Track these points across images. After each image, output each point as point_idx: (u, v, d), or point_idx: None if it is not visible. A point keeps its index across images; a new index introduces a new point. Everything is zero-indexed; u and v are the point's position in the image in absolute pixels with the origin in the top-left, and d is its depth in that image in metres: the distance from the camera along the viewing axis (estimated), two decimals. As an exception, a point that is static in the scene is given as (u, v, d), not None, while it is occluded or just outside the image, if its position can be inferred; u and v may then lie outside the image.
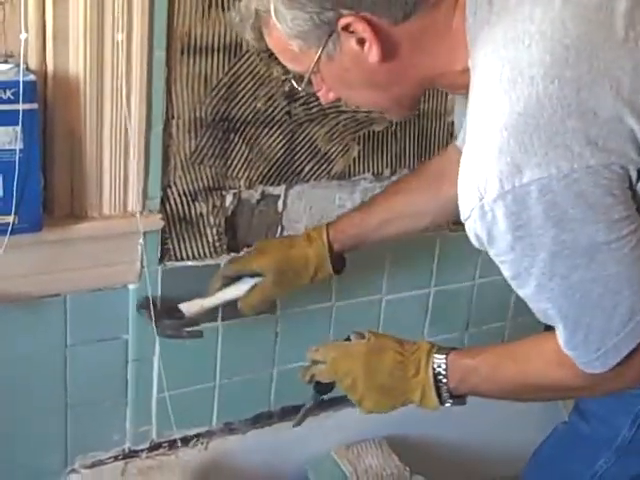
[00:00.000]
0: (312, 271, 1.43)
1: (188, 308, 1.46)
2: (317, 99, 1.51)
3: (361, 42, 0.98)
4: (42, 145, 1.28)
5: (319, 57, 1.01)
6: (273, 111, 1.49)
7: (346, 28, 0.97)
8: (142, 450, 1.60)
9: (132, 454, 1.59)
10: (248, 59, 1.43)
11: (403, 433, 1.85)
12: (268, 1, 0.99)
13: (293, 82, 1.13)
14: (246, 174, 1.51)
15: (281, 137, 1.52)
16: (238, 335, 1.61)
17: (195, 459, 1.62)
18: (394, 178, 1.69)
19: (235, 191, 1.52)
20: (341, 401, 1.80)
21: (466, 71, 1.00)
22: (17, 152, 1.23)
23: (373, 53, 0.98)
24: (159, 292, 1.48)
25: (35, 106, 1.22)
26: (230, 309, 1.57)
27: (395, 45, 0.99)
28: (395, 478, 1.74)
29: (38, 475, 1.51)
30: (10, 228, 1.25)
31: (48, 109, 1.28)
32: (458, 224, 1.81)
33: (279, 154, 1.53)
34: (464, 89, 1.01)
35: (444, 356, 1.20)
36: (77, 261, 1.39)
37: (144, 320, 1.47)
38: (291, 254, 1.42)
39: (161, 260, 1.48)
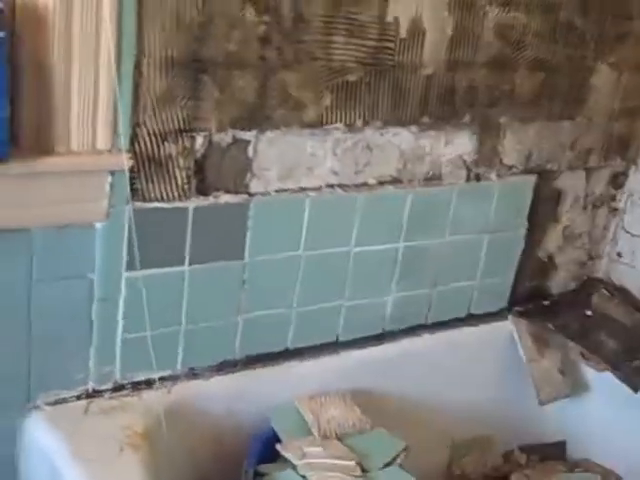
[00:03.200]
0: None
1: None
2: (291, 44, 1.53)
3: None
4: (9, 75, 1.26)
5: None
6: (246, 54, 1.49)
7: None
8: (105, 390, 1.60)
9: (95, 394, 1.59)
10: (222, -1, 1.43)
11: (367, 387, 1.87)
12: None
13: None
14: (217, 117, 1.51)
15: (254, 81, 1.52)
16: (204, 280, 1.62)
17: (158, 402, 1.62)
18: (367, 130, 1.70)
19: (206, 134, 1.51)
20: (306, 351, 1.82)
21: None
22: (-17, 79, 1.22)
23: None
24: (126, 232, 1.48)
25: (2, 35, 1.21)
26: (197, 252, 1.57)
27: None
28: (357, 429, 1.75)
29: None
30: (-25, 157, 1.25)
31: (16, 38, 1.26)
32: (430, 179, 1.84)
33: (251, 98, 1.53)
34: None
35: None
36: (43, 196, 1.38)
37: (111, 259, 1.47)
38: None
39: (129, 200, 1.47)
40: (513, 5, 1.77)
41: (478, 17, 1.73)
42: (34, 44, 1.27)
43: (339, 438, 1.73)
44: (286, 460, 1.66)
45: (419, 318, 1.98)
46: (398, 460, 1.74)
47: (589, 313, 2.19)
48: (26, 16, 1.26)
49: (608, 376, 2.05)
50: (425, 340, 1.98)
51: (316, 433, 1.72)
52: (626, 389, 2.00)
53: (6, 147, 1.28)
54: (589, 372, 2.12)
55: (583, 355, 2.11)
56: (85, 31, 1.29)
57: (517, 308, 2.13)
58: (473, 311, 2.06)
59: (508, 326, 2.09)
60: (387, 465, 1.72)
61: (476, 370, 2.02)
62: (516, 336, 2.07)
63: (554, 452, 2.18)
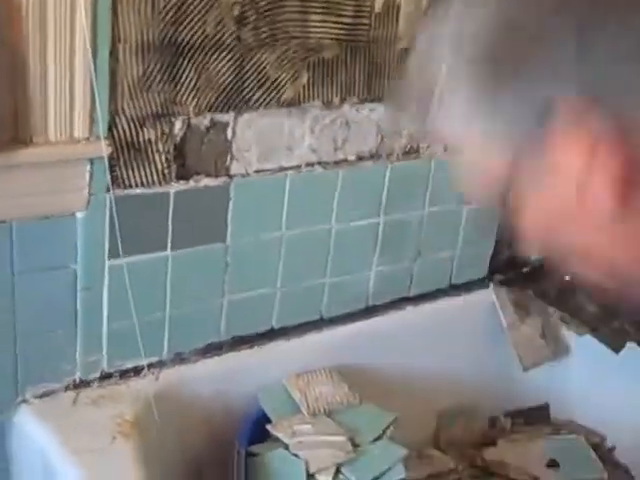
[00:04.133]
0: None
1: None
2: (267, 24, 1.51)
3: None
4: (-17, 67, 1.24)
5: None
6: (222, 36, 1.47)
7: None
8: (93, 380, 1.59)
9: (83, 384, 1.58)
10: (196, -19, 1.40)
11: (353, 363, 1.88)
12: None
13: None
14: (195, 100, 1.49)
15: (230, 63, 1.50)
16: (187, 264, 1.61)
17: (146, 389, 1.62)
18: (344, 107, 1.69)
19: (184, 117, 1.49)
20: (291, 330, 1.82)
21: None
22: (-43, 73, 1.19)
23: None
24: (107, 219, 1.46)
25: (-25, 25, 1.19)
26: (179, 236, 1.56)
27: None
28: (345, 405, 1.76)
29: (-12, 405, 1.50)
30: (-48, 152, 1.22)
31: (-11, 29, 1.24)
32: (408, 153, 1.83)
33: (228, 80, 1.51)
34: None
35: None
36: (22, 187, 1.36)
37: (93, 248, 1.46)
38: None
39: (109, 188, 1.45)
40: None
41: (452, -12, 1.72)
42: (8, 33, 1.25)
43: (328, 414, 1.74)
44: (277, 439, 1.67)
45: (402, 291, 1.99)
46: (388, 433, 1.75)
47: (567, 278, 2.21)
48: (-2, 5, 1.23)
49: (589, 339, 2.08)
50: (409, 312, 1.99)
51: (305, 411, 1.73)
52: (607, 351, 2.03)
53: (-16, 141, 1.25)
54: (570, 336, 2.15)
55: (563, 319, 2.13)
56: (60, 19, 1.27)
57: (498, 276, 2.14)
58: (455, 281, 2.08)
59: (490, 294, 2.11)
60: (377, 439, 1.73)
61: (460, 340, 2.04)
62: (497, 304, 2.09)
63: (538, 415, 2.21)
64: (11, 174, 1.34)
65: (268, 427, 1.69)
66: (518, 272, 2.20)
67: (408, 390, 1.97)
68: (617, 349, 2.03)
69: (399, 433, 1.76)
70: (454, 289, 2.08)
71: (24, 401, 1.51)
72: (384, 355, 1.92)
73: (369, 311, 1.94)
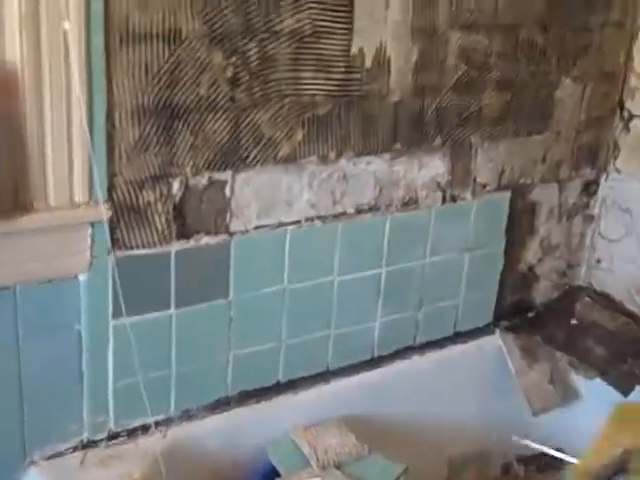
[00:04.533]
0: None
1: None
2: (259, 84, 1.55)
3: None
4: (-18, 138, 1.28)
5: None
6: (216, 97, 1.51)
7: None
8: (101, 440, 1.60)
9: (91, 444, 1.59)
10: (188, 45, 1.44)
11: (361, 413, 1.88)
12: None
13: None
14: (192, 161, 1.52)
15: (225, 123, 1.53)
16: (192, 321, 1.63)
17: (154, 446, 1.63)
18: (341, 161, 1.72)
19: (182, 178, 1.52)
20: (297, 383, 1.83)
21: None
22: (-43, 144, 1.23)
23: None
24: (110, 280, 1.49)
25: (-28, 98, 1.23)
26: (182, 294, 1.58)
27: None
28: (354, 456, 1.76)
29: (-3, 469, 1.51)
30: (-46, 221, 1.26)
31: (-14, 100, 1.28)
32: (406, 204, 1.85)
33: (224, 140, 1.54)
34: None
35: None
36: (25, 253, 1.39)
37: (96, 308, 1.48)
38: None
39: (111, 250, 1.48)
40: (474, 28, 1.80)
41: (441, 42, 1.76)
42: (4, 104, 1.29)
43: (337, 466, 1.74)
44: (286, 494, 1.67)
45: (407, 340, 1.99)
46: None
47: (574, 322, 2.21)
48: (-5, 77, 1.27)
49: (598, 383, 2.07)
50: (415, 362, 1.99)
51: (314, 464, 1.73)
52: (616, 394, 2.02)
53: (-16, 210, 1.29)
54: (579, 380, 2.14)
55: (571, 364, 2.13)
56: (55, 87, 1.31)
57: (503, 322, 2.14)
58: (460, 329, 2.08)
59: (496, 341, 2.11)
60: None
61: (468, 386, 2.04)
62: (504, 350, 2.09)
63: (551, 461, 2.19)
64: (13, 240, 1.36)
65: (277, 481, 1.69)
66: (524, 317, 2.20)
67: (417, 439, 1.96)
68: (626, 392, 2.02)
69: (410, 482, 1.75)
70: (460, 336, 2.08)
71: (32, 462, 1.53)
72: (392, 405, 1.92)
73: (375, 361, 1.94)
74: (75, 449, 1.58)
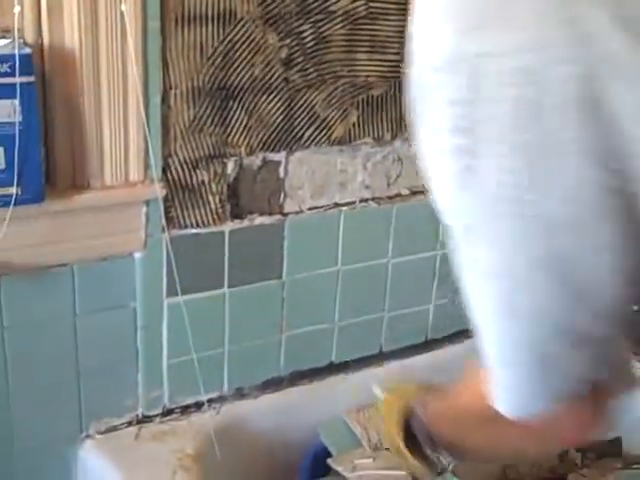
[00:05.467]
0: None
1: None
2: (314, 65, 1.55)
3: None
4: (41, 117, 1.31)
5: None
6: (270, 78, 1.51)
7: None
8: (155, 415, 1.63)
9: (145, 419, 1.62)
10: (243, 26, 1.45)
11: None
12: None
13: None
14: (246, 141, 1.53)
15: (279, 103, 1.54)
16: (245, 301, 1.64)
17: (208, 424, 1.65)
18: (396, 142, 1.71)
19: (236, 158, 1.54)
20: (350, 364, 1.84)
21: None
22: (17, 125, 1.25)
23: None
24: (164, 259, 1.51)
25: (32, 79, 1.25)
26: (235, 274, 1.60)
27: None
28: (406, 439, 1.76)
29: (54, 441, 1.54)
30: (13, 200, 1.29)
31: (46, 81, 1.30)
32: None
33: (278, 120, 1.55)
34: None
35: None
36: (81, 231, 1.42)
37: (151, 287, 1.51)
38: None
39: (165, 228, 1.50)
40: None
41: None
42: (64, 85, 1.31)
43: (388, 448, 1.74)
44: (338, 474, 1.68)
45: (462, 324, 1.98)
46: (449, 467, 1.74)
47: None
48: (54, 59, 1.29)
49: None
50: (468, 345, 1.98)
51: (366, 444, 1.74)
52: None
53: (42, 190, 1.32)
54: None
55: (636, 352, 2.09)
56: (112, 69, 1.33)
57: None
58: (516, 313, 2.06)
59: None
60: (439, 473, 1.72)
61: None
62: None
63: (610, 449, 2.16)
64: (70, 219, 1.39)
65: (329, 461, 1.69)
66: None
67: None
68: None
69: (463, 469, 1.74)
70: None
71: (88, 436, 1.56)
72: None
73: (429, 344, 1.94)
74: (130, 424, 1.61)
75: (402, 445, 1.21)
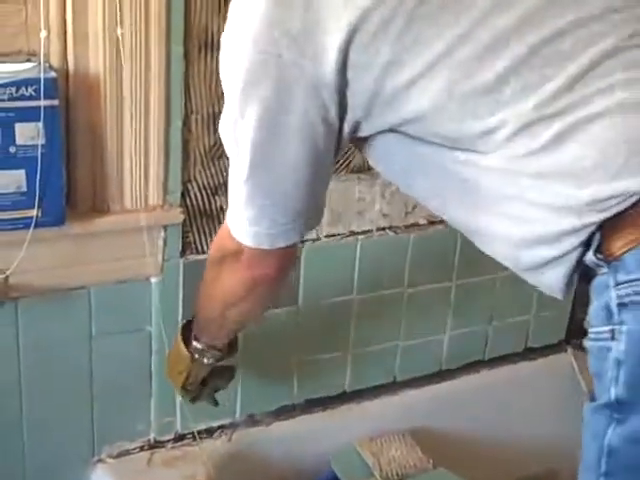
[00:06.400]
0: None
1: None
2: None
3: None
4: (64, 140, 1.32)
5: None
6: (291, 106, 1.51)
7: None
8: (167, 441, 1.63)
9: (157, 444, 1.62)
10: (265, 54, 1.45)
11: (426, 426, 1.86)
12: None
13: None
14: (265, 168, 1.53)
15: (299, 131, 1.54)
16: (259, 327, 1.63)
17: (219, 450, 1.65)
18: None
19: (254, 185, 1.54)
20: (364, 393, 1.83)
21: None
22: (39, 147, 1.26)
23: None
24: (181, 284, 1.51)
25: (56, 102, 1.26)
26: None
27: None
28: (418, 470, 1.75)
29: (66, 464, 1.54)
30: (34, 222, 1.29)
31: (70, 105, 1.31)
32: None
33: (297, 148, 1.55)
34: None
35: None
36: (100, 254, 1.42)
37: (167, 311, 1.51)
38: None
39: (182, 253, 1.50)
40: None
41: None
42: (87, 109, 1.32)
43: (401, 479, 1.73)
44: (349, 504, 1.67)
45: (477, 354, 1.97)
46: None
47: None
48: (78, 83, 1.30)
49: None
50: (483, 376, 1.97)
51: (378, 475, 1.72)
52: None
53: (63, 213, 1.32)
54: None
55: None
56: (135, 94, 1.34)
57: (576, 341, 2.10)
58: (531, 345, 2.05)
59: (567, 358, 2.07)
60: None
61: (537, 404, 2.00)
62: (576, 369, 2.04)
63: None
64: (89, 242, 1.40)
65: (340, 491, 1.68)
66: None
67: (484, 456, 1.94)
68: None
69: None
70: (530, 352, 2.05)
71: (100, 460, 1.56)
72: (458, 419, 1.90)
73: (443, 374, 1.93)
74: (142, 449, 1.60)
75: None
